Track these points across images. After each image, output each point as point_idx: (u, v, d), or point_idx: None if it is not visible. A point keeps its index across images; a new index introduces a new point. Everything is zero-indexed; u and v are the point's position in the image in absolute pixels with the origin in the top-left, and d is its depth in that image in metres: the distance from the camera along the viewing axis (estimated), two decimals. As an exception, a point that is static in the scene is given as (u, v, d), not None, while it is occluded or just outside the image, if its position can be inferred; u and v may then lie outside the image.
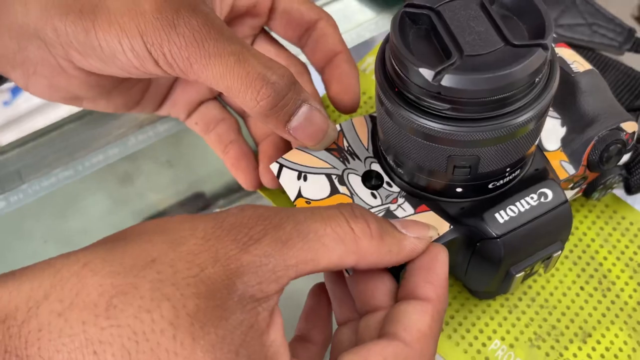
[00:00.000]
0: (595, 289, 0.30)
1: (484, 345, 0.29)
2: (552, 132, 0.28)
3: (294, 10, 0.30)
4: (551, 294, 0.30)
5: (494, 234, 0.24)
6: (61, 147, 0.35)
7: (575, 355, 0.29)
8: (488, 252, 0.25)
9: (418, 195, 0.26)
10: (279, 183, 0.28)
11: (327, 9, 0.40)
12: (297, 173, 0.28)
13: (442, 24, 0.22)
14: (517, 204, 0.25)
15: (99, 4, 0.24)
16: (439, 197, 0.26)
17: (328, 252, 0.20)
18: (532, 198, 0.25)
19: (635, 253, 0.31)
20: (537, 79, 0.22)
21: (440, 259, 0.23)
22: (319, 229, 0.20)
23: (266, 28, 0.32)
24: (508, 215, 0.24)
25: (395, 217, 0.27)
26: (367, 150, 0.28)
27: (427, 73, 0.21)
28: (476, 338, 0.29)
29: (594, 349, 0.29)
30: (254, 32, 0.32)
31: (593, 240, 0.31)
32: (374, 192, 0.27)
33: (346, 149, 0.28)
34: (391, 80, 0.23)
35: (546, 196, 0.25)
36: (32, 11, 0.25)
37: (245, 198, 0.40)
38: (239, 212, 0.20)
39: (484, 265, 0.26)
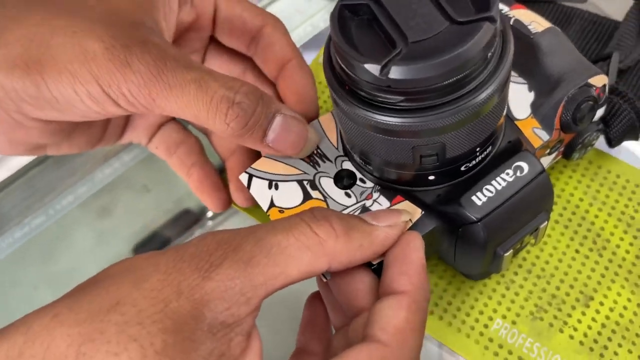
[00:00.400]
0: (591, 249, 0.29)
1: (485, 326, 0.28)
2: (521, 99, 0.27)
3: (236, 17, 0.29)
4: (547, 263, 0.29)
5: (473, 217, 0.23)
6: (28, 194, 0.34)
7: (579, 321, 0.28)
8: (471, 236, 0.24)
9: (392, 188, 0.25)
10: (252, 199, 0.27)
11: (276, 5, 0.38)
12: (267, 182, 0.27)
13: (382, 12, 0.21)
14: (493, 182, 0.24)
15: (45, 53, 0.23)
16: (413, 188, 0.25)
17: (296, 261, 0.20)
18: (507, 174, 0.24)
19: (626, 206, 0.30)
20: (489, 54, 0.21)
21: (413, 246, 0.22)
22: (282, 240, 0.20)
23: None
24: (485, 196, 0.24)
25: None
26: (337, 149, 0.28)
27: (373, 68, 0.20)
28: (477, 321, 0.28)
29: (597, 311, 0.28)
30: (204, 45, 0.31)
31: (581, 199, 0.31)
32: (348, 191, 0.26)
33: (316, 152, 0.27)
34: (340, 79, 0.22)
35: (522, 169, 0.24)
36: None
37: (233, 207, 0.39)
38: (198, 241, 0.20)
39: (470, 250, 0.25)
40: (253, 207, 0.31)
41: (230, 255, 0.19)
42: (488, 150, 0.24)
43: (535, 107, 0.26)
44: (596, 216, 0.30)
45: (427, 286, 0.22)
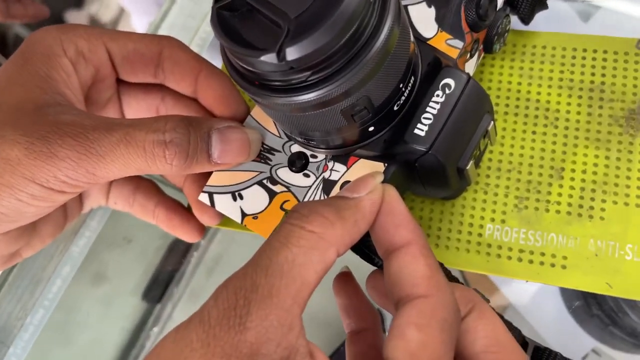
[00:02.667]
0: (545, 125, 0.30)
1: (480, 235, 0.29)
2: (424, 18, 0.27)
3: (132, 54, 0.28)
4: (511, 154, 0.30)
5: (423, 149, 0.24)
6: (15, 298, 0.34)
7: (560, 195, 0.29)
8: (429, 165, 0.25)
9: (343, 152, 0.26)
10: (218, 216, 0.28)
11: (167, 19, 0.38)
12: (230, 195, 0.28)
13: None
14: (428, 109, 0.24)
15: None
16: (360, 144, 0.25)
17: (308, 266, 0.20)
18: (438, 96, 0.24)
19: (561, 72, 0.31)
20: None
21: (392, 198, 0.22)
22: (287, 255, 0.19)
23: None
24: (425, 125, 0.24)
25: (334, 181, 0.26)
26: (280, 137, 0.28)
27: (270, 57, 0.20)
28: (470, 234, 0.29)
29: (572, 179, 0.29)
30: (114, 89, 0.31)
31: (519, 83, 0.31)
32: (305, 172, 0.27)
33: (262, 148, 0.28)
34: (246, 77, 0.22)
35: (449, 86, 0.24)
36: None
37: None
38: (215, 300, 0.19)
39: (434, 177, 0.25)
40: (224, 220, 0.32)
41: (252, 297, 0.19)
42: (412, 82, 0.24)
43: (439, 20, 0.27)
44: (538, 93, 0.31)
45: (420, 228, 0.22)
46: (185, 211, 0.32)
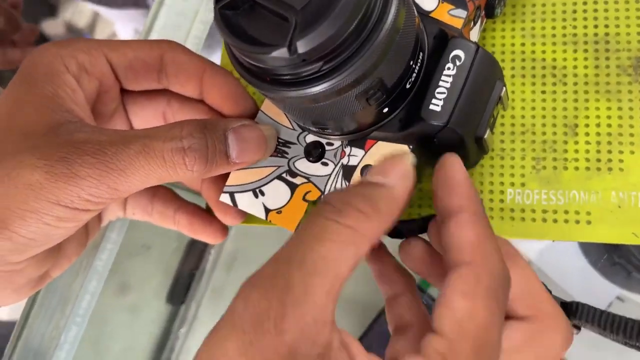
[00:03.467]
0: (554, 83, 0.30)
1: (501, 201, 0.29)
2: (424, -9, 0.27)
3: (133, 62, 0.28)
4: (523, 117, 0.30)
5: (440, 124, 0.24)
6: (47, 318, 0.34)
7: (576, 152, 0.29)
8: (448, 139, 0.25)
9: (359, 137, 0.26)
10: (240, 215, 0.28)
11: (159, 20, 0.37)
12: (251, 192, 0.27)
13: None
14: (441, 83, 0.24)
15: None
16: (376, 126, 0.25)
17: (342, 261, 0.19)
18: (449, 69, 0.24)
19: (564, 27, 0.31)
20: None
21: (447, 164, 0.22)
22: (320, 251, 0.19)
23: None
24: (440, 99, 0.24)
25: (353, 167, 0.26)
26: (294, 129, 0.28)
27: (281, 52, 0.20)
28: (491, 200, 0.29)
29: (587, 134, 0.29)
30: (119, 99, 0.30)
31: (523, 44, 0.31)
32: (323, 160, 0.27)
33: (277, 142, 0.28)
34: (257, 74, 0.22)
35: (460, 57, 0.24)
36: None
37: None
38: (246, 303, 0.19)
39: (455, 149, 0.25)
40: (247, 217, 0.32)
41: (287, 298, 0.18)
42: (421, 57, 0.24)
43: (439, -9, 0.26)
44: (543, 51, 0.31)
45: (476, 193, 0.22)
46: (205, 214, 0.32)
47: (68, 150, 0.23)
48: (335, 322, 0.19)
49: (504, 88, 0.26)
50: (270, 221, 0.27)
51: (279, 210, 0.27)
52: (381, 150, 0.26)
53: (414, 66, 0.24)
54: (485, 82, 0.25)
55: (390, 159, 0.22)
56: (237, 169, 0.27)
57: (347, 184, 0.26)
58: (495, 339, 0.20)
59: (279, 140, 0.27)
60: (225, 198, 0.28)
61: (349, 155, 0.26)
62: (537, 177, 0.29)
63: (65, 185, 0.23)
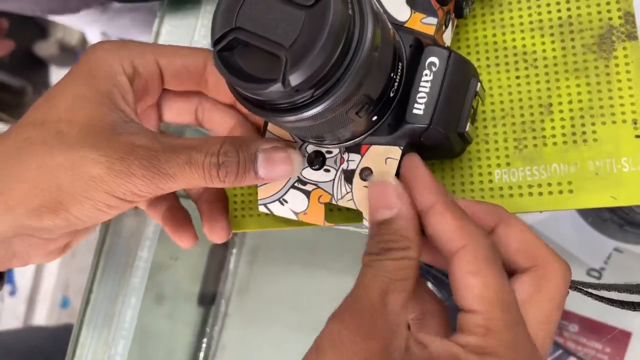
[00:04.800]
0: (526, 67, 0.33)
1: (490, 182, 0.32)
2: (395, 3, 0.29)
3: (180, 68, 0.31)
4: (501, 103, 0.33)
5: (424, 125, 0.27)
6: (95, 336, 0.37)
7: (553, 128, 0.32)
8: (433, 138, 0.27)
9: (354, 144, 0.29)
10: (228, 228, 0.33)
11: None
12: (277, 202, 0.31)
13: (251, 35, 0.23)
14: (421, 89, 0.27)
15: (61, 195, 0.27)
16: (368, 133, 0.28)
17: (400, 294, 0.24)
18: (426, 75, 0.27)
19: (529, 15, 0.33)
20: (349, 5, 0.23)
21: (406, 168, 0.26)
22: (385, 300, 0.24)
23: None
24: (422, 104, 0.27)
25: (352, 170, 0.29)
26: (295, 141, 0.31)
27: (276, 87, 0.23)
28: (481, 182, 0.32)
29: (561, 111, 0.32)
30: (157, 98, 0.33)
31: (494, 35, 0.34)
32: (325, 167, 0.30)
33: None
34: (257, 103, 0.25)
35: (434, 64, 0.27)
36: (4, 221, 0.27)
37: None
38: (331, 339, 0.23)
39: (440, 147, 0.28)
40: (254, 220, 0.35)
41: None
42: (401, 67, 0.27)
43: (410, 2, 0.29)
44: (513, 39, 0.33)
45: (440, 185, 0.26)
46: (188, 218, 0.36)
47: (127, 151, 0.27)
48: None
49: (479, 83, 0.28)
50: (301, 220, 0.31)
51: (304, 212, 0.30)
52: (375, 153, 0.29)
53: (395, 77, 0.27)
54: (460, 82, 0.28)
55: (380, 189, 0.26)
56: (263, 184, 0.31)
57: (350, 186, 0.29)
58: (509, 291, 0.24)
59: None
60: (262, 209, 0.31)
61: (347, 161, 0.29)
62: (520, 156, 0.32)
63: (122, 182, 0.26)
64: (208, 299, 0.55)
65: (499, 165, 0.32)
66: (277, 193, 0.31)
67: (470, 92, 0.28)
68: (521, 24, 0.33)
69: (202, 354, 0.54)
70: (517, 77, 0.33)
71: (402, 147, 0.28)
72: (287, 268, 0.54)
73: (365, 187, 0.28)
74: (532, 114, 0.32)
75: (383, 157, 0.28)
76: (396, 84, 0.27)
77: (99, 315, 0.38)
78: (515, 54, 0.33)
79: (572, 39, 0.32)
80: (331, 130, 0.26)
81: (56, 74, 1.59)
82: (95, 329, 0.37)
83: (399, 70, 0.27)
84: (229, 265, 0.59)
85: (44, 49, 1.53)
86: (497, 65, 0.33)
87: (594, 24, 0.32)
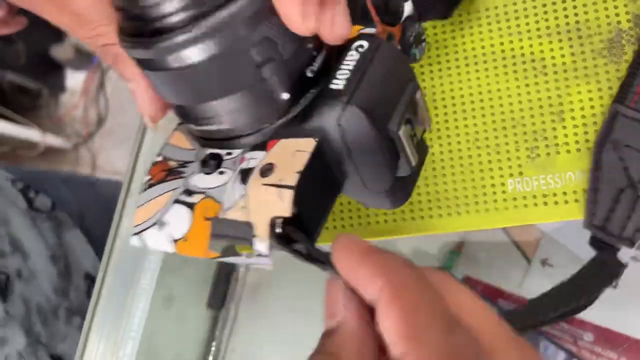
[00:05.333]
0: (535, 75, 0.32)
1: (504, 192, 0.32)
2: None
3: None
4: (512, 111, 0.32)
5: (343, 101, 0.23)
6: (104, 333, 0.37)
7: (566, 136, 0.31)
8: (355, 132, 0.23)
9: (262, 138, 0.24)
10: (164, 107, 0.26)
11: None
12: (156, 226, 0.25)
13: None
14: (342, 66, 0.24)
15: None
16: (278, 121, 0.24)
17: None
18: (352, 55, 0.24)
19: (536, 22, 0.33)
20: None
21: (335, 248, 0.20)
22: None
23: None
24: (342, 79, 0.23)
25: (251, 169, 0.24)
26: (194, 148, 0.26)
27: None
28: (494, 193, 0.32)
29: (573, 117, 0.31)
30: None
31: (502, 44, 0.33)
32: (220, 169, 0.25)
33: (176, 166, 0.26)
34: (142, 33, 0.22)
35: (362, 46, 0.24)
36: None
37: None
38: None
39: (364, 150, 0.24)
40: None
41: None
42: (325, 48, 0.24)
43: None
44: (521, 47, 0.33)
45: (390, 257, 0.19)
46: None
47: None
48: None
49: (419, 91, 0.25)
50: (179, 253, 0.24)
51: (184, 238, 0.24)
52: (284, 148, 0.24)
53: (314, 53, 0.24)
54: (392, 73, 0.24)
55: (330, 289, 0.20)
56: (139, 206, 0.26)
57: (245, 187, 0.23)
58: None
59: (176, 162, 0.26)
60: (135, 241, 0.25)
61: (248, 160, 0.24)
62: (533, 165, 0.31)
63: None
64: (217, 302, 0.55)
65: (511, 175, 0.32)
66: (156, 213, 0.25)
67: (406, 93, 0.24)
68: (528, 30, 0.33)
69: (211, 358, 0.54)
70: (527, 85, 0.32)
71: (317, 140, 0.23)
72: (298, 273, 0.53)
73: (265, 185, 0.22)
74: (543, 122, 0.32)
75: (292, 150, 0.23)
76: (316, 63, 0.24)
77: (108, 316, 0.38)
78: (524, 62, 0.32)
79: (582, 44, 0.32)
80: (230, 89, 0.23)
81: (72, 77, 1.60)
82: (104, 329, 0.37)
83: (322, 53, 0.24)
84: (239, 268, 0.58)
85: (60, 52, 1.55)
86: (506, 73, 0.33)
87: (602, 29, 0.32)
